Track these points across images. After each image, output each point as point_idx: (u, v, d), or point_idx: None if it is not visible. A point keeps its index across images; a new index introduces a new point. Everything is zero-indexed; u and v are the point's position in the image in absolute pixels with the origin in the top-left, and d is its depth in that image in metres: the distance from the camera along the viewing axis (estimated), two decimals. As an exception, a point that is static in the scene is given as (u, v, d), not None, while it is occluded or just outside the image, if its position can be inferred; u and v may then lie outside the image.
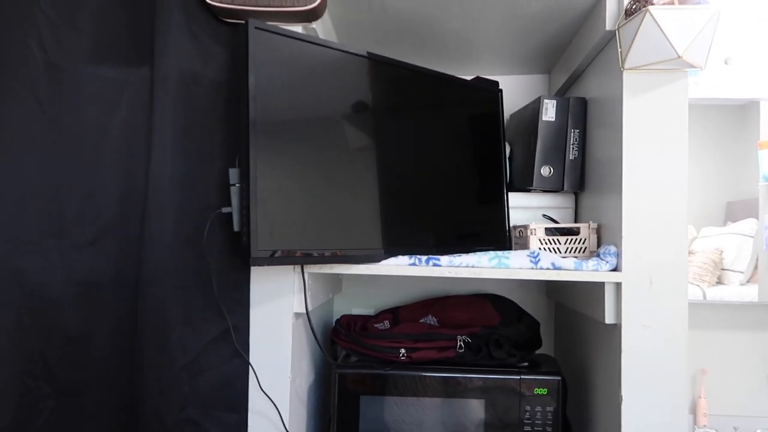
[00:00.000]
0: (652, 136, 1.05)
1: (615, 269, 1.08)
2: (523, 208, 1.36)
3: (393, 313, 1.44)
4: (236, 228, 1.00)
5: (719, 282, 1.96)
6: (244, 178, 0.96)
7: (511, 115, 1.52)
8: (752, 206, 2.10)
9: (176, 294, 1.06)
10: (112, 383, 1.06)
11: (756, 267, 1.92)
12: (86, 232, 1.07)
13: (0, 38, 1.05)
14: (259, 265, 1.01)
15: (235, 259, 1.08)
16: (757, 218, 1.96)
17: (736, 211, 2.23)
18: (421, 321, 1.39)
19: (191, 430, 1.05)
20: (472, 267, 1.11)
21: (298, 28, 1.10)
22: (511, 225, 1.35)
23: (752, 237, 1.95)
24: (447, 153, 1.29)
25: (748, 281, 1.94)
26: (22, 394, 1.03)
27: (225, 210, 1.02)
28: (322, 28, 1.20)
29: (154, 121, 1.06)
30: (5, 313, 1.03)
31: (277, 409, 1.09)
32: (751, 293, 1.85)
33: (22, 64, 1.05)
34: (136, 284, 1.06)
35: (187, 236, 1.06)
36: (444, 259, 1.11)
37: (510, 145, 1.45)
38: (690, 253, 2.02)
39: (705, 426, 1.53)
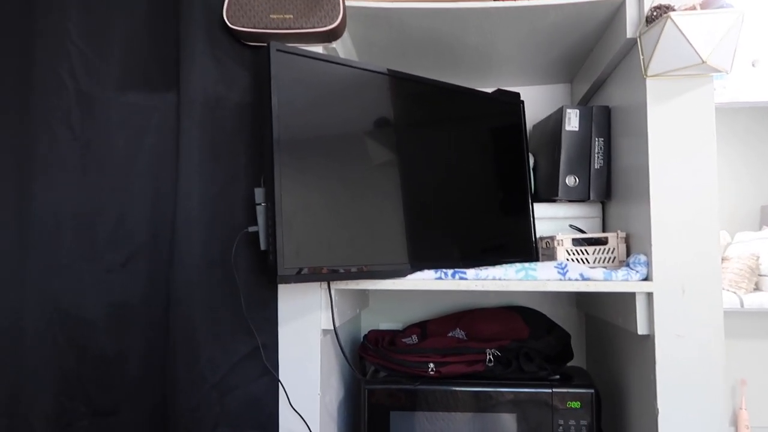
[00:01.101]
0: (678, 142, 1.03)
1: (646, 279, 1.06)
2: (549, 218, 1.35)
3: (421, 327, 1.43)
4: (263, 247, 1.02)
5: (757, 288, 1.91)
6: (270, 197, 0.98)
7: (534, 126, 1.51)
8: (788, 210, 2.04)
9: (205, 313, 1.07)
10: (144, 402, 1.08)
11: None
12: (118, 254, 1.09)
13: (34, 70, 1.10)
14: (286, 283, 1.01)
15: (262, 278, 1.09)
16: (794, 222, 1.90)
17: (772, 215, 2.17)
18: (449, 335, 1.38)
19: (223, 448, 1.06)
20: (499, 280, 1.10)
21: (318, 48, 1.12)
22: (537, 236, 1.34)
23: (790, 241, 1.89)
24: (470, 166, 1.29)
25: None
26: (59, 414, 1.05)
27: (251, 229, 1.04)
28: (342, 48, 1.22)
29: (181, 144, 1.09)
30: (41, 334, 1.06)
31: (308, 426, 1.09)
32: (791, 299, 1.79)
33: (55, 94, 1.09)
34: (167, 304, 1.08)
35: (214, 256, 1.08)
36: (470, 273, 1.11)
37: (534, 155, 1.44)
38: (724, 259, 1.97)
39: (747, 438, 1.48)
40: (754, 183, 1.99)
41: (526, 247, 1.32)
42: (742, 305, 1.76)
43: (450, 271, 1.11)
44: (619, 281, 1.06)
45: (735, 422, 1.50)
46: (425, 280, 1.11)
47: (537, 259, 1.32)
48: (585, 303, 1.49)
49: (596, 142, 1.26)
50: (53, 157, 1.09)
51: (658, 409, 1.03)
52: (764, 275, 1.88)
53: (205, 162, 1.09)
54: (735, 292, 1.81)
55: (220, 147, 1.10)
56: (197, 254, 1.08)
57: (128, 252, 1.10)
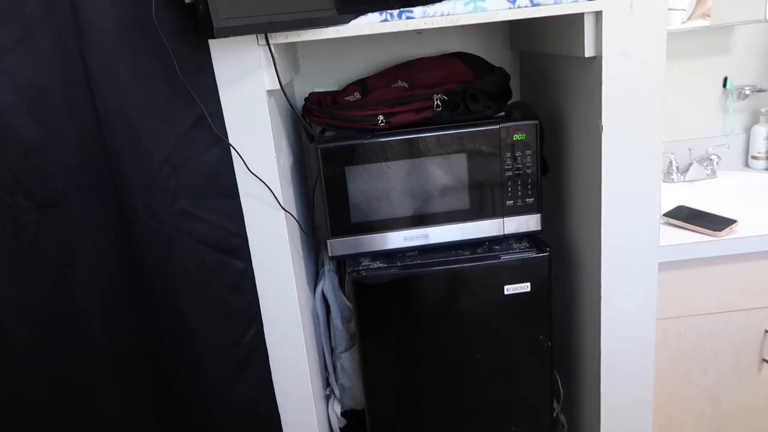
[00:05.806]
0: None
1: (594, -2, 1.03)
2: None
3: (361, 85, 1.39)
4: (188, -1, 0.89)
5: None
6: (185, -66, 0.82)
7: None
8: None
9: (136, 85, 0.97)
10: (92, 189, 1.01)
11: (697, 2, 1.91)
12: (9, 29, 0.92)
13: None
14: (224, 36, 0.90)
15: (190, 39, 0.97)
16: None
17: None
18: (393, 86, 1.35)
19: (188, 220, 1.05)
20: (448, 15, 1.04)
21: None
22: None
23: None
24: None
25: (689, 18, 1.94)
26: (2, 210, 0.97)
27: (170, -21, 0.89)
28: None
29: None
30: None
31: (270, 188, 1.08)
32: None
33: None
34: (87, 80, 0.96)
35: (130, 18, 0.94)
36: (417, 11, 1.04)
37: None
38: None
39: (663, 153, 1.63)
40: None
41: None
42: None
43: (395, 12, 1.03)
44: (568, 3, 1.03)
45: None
46: (370, 24, 1.03)
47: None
48: (521, 40, 1.47)
49: None
50: None
51: (602, 127, 1.08)
52: (670, 9, 1.92)
53: None
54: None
55: None
56: (109, 16, 0.93)
57: (21, 26, 0.92)
